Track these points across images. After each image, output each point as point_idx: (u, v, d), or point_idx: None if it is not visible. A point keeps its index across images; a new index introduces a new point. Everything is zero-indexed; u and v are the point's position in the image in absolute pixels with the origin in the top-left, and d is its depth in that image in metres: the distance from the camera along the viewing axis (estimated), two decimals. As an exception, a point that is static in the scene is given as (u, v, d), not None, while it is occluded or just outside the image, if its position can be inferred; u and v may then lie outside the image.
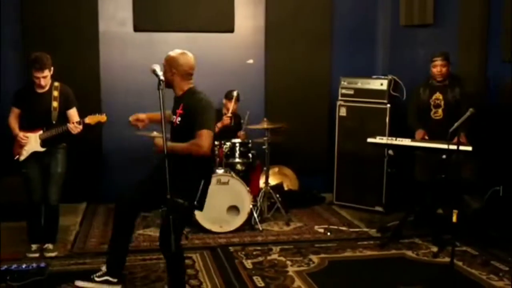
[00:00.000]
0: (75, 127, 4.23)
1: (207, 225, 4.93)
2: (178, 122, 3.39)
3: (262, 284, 3.80)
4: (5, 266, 3.80)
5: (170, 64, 3.38)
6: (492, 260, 4.31)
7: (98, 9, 5.89)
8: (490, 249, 4.54)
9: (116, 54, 6.00)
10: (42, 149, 4.31)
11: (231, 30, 6.19)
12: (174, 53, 3.43)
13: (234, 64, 6.25)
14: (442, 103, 4.83)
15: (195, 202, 3.31)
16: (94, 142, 5.96)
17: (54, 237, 4.47)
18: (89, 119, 4.30)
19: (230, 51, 6.25)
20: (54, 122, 4.29)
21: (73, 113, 4.39)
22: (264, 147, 5.33)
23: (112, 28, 5.99)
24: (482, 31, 5.18)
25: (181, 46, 6.02)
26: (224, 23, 6.15)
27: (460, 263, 4.24)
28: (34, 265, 3.86)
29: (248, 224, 5.09)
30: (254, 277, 3.91)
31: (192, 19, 6.06)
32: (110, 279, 3.63)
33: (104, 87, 5.98)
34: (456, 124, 3.38)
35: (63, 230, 4.83)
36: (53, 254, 4.33)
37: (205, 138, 3.20)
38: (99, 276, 3.63)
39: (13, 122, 4.37)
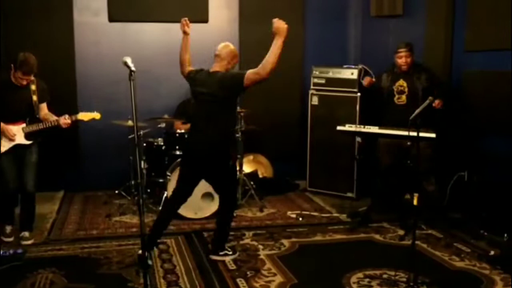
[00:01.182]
0: (65, 123, 4.35)
1: (182, 211, 4.98)
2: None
3: (234, 267, 3.94)
4: (-18, 252, 3.89)
5: (232, 55, 4.16)
6: (455, 242, 4.51)
7: (72, -1, 5.94)
8: (454, 232, 4.75)
9: (91, 44, 6.04)
10: (27, 142, 4.37)
11: (205, 20, 6.28)
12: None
13: (208, 54, 6.28)
14: (406, 89, 4.98)
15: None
16: (71, 132, 5.99)
17: (30, 225, 4.54)
18: (81, 116, 4.44)
19: (204, 41, 6.29)
20: (37, 115, 4.38)
21: (44, 106, 4.49)
22: (237, 135, 5.45)
23: (87, 18, 6.03)
24: (447, 21, 5.35)
25: (155, 36, 6.24)
26: (198, 13, 6.23)
27: (424, 245, 4.43)
28: (11, 251, 3.95)
29: (223, 211, 5.21)
30: (226, 261, 4.06)
31: (166, 9, 6.12)
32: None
33: (79, 77, 6.03)
34: (416, 112, 3.53)
35: (41, 217, 4.91)
36: (29, 242, 4.40)
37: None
38: None
39: None
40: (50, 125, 4.36)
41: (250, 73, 3.84)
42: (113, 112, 5.51)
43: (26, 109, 4.35)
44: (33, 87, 4.36)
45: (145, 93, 6.03)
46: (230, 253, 4.14)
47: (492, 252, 4.17)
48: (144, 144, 5.46)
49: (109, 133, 5.82)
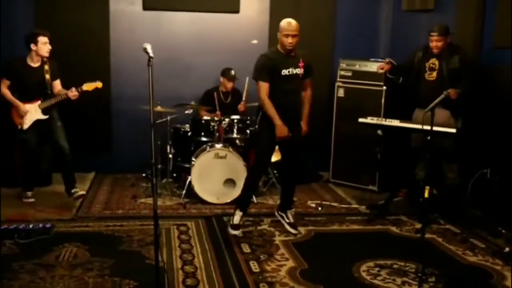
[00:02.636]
0: (73, 95, 4.83)
1: (204, 196, 5.22)
2: (303, 72, 4.42)
3: (248, 250, 4.08)
4: (14, 225, 4.14)
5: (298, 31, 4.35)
6: (472, 238, 4.52)
7: (109, -14, 6.16)
8: (472, 228, 4.74)
9: (125, 31, 6.25)
10: (45, 117, 4.91)
11: (236, 10, 6.40)
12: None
13: (239, 44, 6.46)
14: (437, 67, 5.00)
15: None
16: (104, 116, 6.28)
17: (75, 183, 5.08)
18: (86, 87, 4.89)
19: (236, 31, 6.46)
20: (49, 92, 4.91)
21: (58, 83, 5.02)
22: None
23: (122, 6, 6.24)
24: (477, 17, 5.30)
25: (188, 25, 6.41)
26: (230, 3, 6.37)
27: (440, 240, 4.46)
28: (40, 225, 4.19)
29: (244, 197, 5.36)
30: (242, 244, 4.20)
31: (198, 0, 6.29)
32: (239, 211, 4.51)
33: (114, 64, 6.25)
34: (431, 105, 3.56)
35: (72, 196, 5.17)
36: (82, 192, 5.04)
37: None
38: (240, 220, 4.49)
39: (9, 93, 4.88)
40: (60, 98, 4.88)
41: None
42: (145, 98, 5.67)
43: (41, 87, 4.89)
44: (46, 67, 4.88)
45: (174, 80, 6.25)
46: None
47: (507, 249, 4.16)
48: (171, 130, 5.65)
49: (139, 118, 6.01)
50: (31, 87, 4.88)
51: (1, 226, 4.11)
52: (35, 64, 4.86)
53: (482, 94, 5.15)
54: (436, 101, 3.62)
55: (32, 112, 4.89)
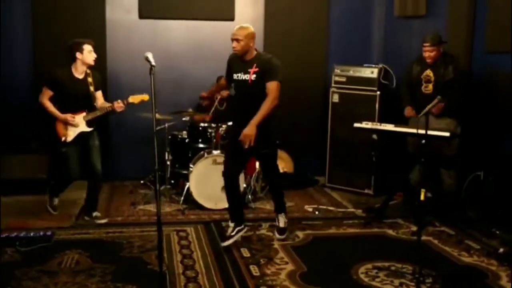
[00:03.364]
0: (119, 106, 4.73)
1: (203, 202, 5.27)
2: (253, 79, 4.21)
3: (248, 255, 4.14)
4: (15, 233, 4.18)
5: (250, 37, 4.23)
6: (467, 239, 4.59)
7: (105, -5, 6.23)
8: (467, 230, 4.82)
9: (122, 40, 6.32)
10: (90, 129, 4.79)
11: (231, 18, 6.48)
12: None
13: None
14: (433, 79, 5.08)
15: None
16: (102, 124, 6.29)
17: (96, 206, 4.99)
18: (132, 99, 4.79)
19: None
20: (94, 104, 4.78)
21: (100, 94, 4.91)
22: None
23: (118, 15, 6.30)
24: (469, 23, 5.41)
25: (183, 33, 6.48)
26: (225, 11, 6.45)
27: (435, 241, 4.54)
28: (41, 233, 4.24)
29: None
30: (242, 249, 4.26)
31: (194, 8, 6.37)
32: (238, 228, 4.36)
33: (110, 72, 6.30)
34: (425, 110, 3.65)
35: (71, 203, 5.23)
36: (104, 221, 4.84)
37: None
38: (232, 231, 4.34)
39: (50, 104, 4.72)
40: (106, 111, 4.77)
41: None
42: (142, 105, 5.74)
43: (85, 99, 4.74)
44: (89, 78, 4.76)
45: (171, 88, 6.31)
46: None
47: (501, 250, 4.24)
48: (169, 137, 5.70)
49: (137, 126, 6.06)
50: (76, 98, 4.69)
51: (2, 234, 4.14)
52: (80, 75, 4.70)
53: (474, 98, 5.25)
54: (430, 106, 3.70)
55: (78, 124, 4.75)
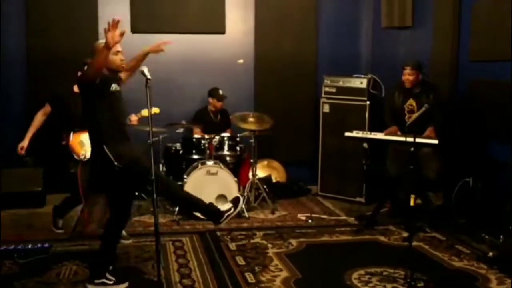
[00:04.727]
0: (134, 119, 4.92)
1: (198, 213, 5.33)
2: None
3: (243, 263, 4.21)
4: (13, 246, 4.23)
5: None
6: (457, 244, 4.69)
7: (98, 11, 6.31)
8: (458, 235, 4.92)
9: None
10: None
11: (222, 32, 6.60)
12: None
13: (225, 63, 6.66)
14: (416, 109, 5.13)
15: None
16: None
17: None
18: (144, 112, 4.94)
19: (222, 52, 6.66)
20: None
21: None
22: (251, 140, 5.74)
23: (111, 30, 6.38)
24: (454, 33, 5.56)
25: (175, 47, 6.50)
26: (216, 25, 6.57)
27: (426, 247, 4.64)
28: (39, 245, 4.28)
29: (236, 212, 5.49)
30: (237, 257, 4.33)
31: (186, 22, 6.48)
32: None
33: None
34: (412, 118, 3.77)
35: (68, 216, 5.25)
36: (129, 241, 4.66)
37: None
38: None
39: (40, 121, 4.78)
40: None
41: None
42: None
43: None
44: None
45: (164, 100, 6.35)
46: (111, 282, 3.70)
47: (490, 254, 4.34)
48: (163, 149, 5.78)
49: (131, 138, 6.11)
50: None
51: (1, 247, 4.19)
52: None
53: (461, 106, 5.39)
54: (418, 113, 3.82)
55: None
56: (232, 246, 4.62)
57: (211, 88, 6.19)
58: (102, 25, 6.31)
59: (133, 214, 5.52)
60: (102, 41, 3.58)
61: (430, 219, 5.15)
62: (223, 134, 5.77)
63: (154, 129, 5.48)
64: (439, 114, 5.06)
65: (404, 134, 4.97)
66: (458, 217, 5.17)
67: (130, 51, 6.38)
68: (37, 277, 3.83)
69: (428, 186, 5.17)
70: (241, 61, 6.64)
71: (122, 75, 3.89)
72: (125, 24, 6.40)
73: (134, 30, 6.41)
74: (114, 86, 3.68)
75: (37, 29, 6.14)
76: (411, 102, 5.20)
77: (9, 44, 6.14)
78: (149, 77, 3.34)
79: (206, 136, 5.61)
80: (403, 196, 5.27)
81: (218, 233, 4.93)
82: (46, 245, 4.32)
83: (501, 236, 4.38)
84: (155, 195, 3.10)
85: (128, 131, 3.88)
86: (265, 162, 6.58)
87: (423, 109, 3.89)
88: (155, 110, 4.94)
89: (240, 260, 4.27)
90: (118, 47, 3.71)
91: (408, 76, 5.14)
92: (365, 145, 5.45)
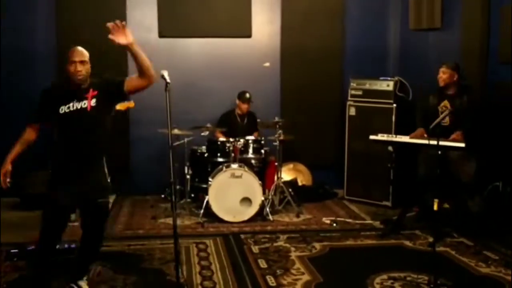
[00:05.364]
0: None
1: (221, 215, 5.37)
2: (92, 105, 3.60)
3: (265, 266, 4.21)
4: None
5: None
6: (485, 250, 4.59)
7: (126, 16, 6.43)
8: (486, 241, 4.81)
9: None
10: None
11: (248, 35, 6.64)
12: None
13: (251, 67, 6.69)
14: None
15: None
16: (123, 141, 6.49)
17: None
18: (119, 106, 4.83)
19: (248, 55, 6.69)
20: None
21: None
22: (275, 143, 5.75)
23: (139, 34, 6.48)
24: (483, 34, 5.45)
25: (201, 51, 6.65)
26: (242, 29, 6.61)
27: (453, 252, 4.55)
28: (66, 245, 4.36)
29: (260, 215, 5.51)
30: (259, 260, 4.34)
31: (212, 26, 6.54)
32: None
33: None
34: (435, 122, 3.70)
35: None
36: None
37: None
38: None
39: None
40: None
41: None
42: (162, 121, 5.89)
43: None
44: None
45: (190, 104, 6.46)
46: None
47: (519, 260, 4.24)
48: (189, 152, 5.83)
49: (157, 141, 6.20)
50: None
51: (29, 247, 4.30)
52: None
53: (490, 109, 5.27)
54: (442, 116, 3.76)
55: None
56: (255, 249, 4.62)
57: (240, 91, 6.22)
58: (130, 29, 6.42)
59: (158, 216, 5.60)
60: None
61: (457, 224, 5.05)
62: (248, 137, 5.79)
63: (179, 132, 5.61)
64: (468, 118, 4.97)
65: (430, 137, 4.90)
66: (487, 222, 5.06)
67: (158, 56, 6.51)
68: (61, 277, 3.90)
69: (463, 190, 5.07)
70: (267, 64, 6.66)
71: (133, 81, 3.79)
72: (154, 28, 6.51)
73: (161, 34, 6.51)
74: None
75: (67, 33, 6.28)
76: (445, 103, 5.10)
77: (39, 46, 6.34)
78: (168, 80, 3.38)
79: (231, 139, 5.64)
80: (431, 200, 5.21)
81: (242, 236, 4.94)
82: (73, 245, 4.40)
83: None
84: (173, 197, 3.12)
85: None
86: (291, 165, 6.57)
87: (446, 112, 3.82)
88: (130, 104, 5.05)
89: (262, 263, 4.27)
90: (75, 57, 3.61)
91: (441, 74, 5.05)
92: (390, 148, 5.39)
